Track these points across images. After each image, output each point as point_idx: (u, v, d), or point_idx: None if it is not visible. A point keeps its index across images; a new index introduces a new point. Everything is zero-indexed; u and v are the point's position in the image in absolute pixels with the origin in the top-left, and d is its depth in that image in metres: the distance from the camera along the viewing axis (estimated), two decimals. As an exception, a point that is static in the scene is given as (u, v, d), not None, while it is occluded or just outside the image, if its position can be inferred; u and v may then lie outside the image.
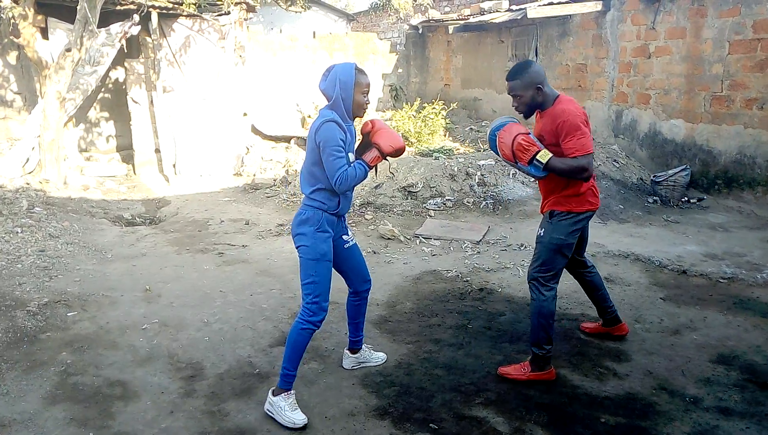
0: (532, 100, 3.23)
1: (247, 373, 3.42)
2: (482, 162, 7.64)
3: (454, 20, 11.69)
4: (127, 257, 5.53)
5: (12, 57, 9.27)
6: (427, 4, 13.47)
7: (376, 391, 3.21)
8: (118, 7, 8.46)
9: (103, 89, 10.36)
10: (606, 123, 8.92)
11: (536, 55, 10.21)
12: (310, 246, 2.99)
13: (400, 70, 13.33)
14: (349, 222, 6.57)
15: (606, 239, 5.86)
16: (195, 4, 8.96)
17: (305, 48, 11.84)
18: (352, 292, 3.35)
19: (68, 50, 7.73)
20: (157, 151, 9.70)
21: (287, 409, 2.90)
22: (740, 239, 5.88)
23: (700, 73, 7.37)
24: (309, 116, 11.60)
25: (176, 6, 8.93)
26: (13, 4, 7.44)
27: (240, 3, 9.70)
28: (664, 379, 3.30)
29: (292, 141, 10.65)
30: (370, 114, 10.85)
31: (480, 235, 6.05)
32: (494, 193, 7.23)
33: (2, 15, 7.47)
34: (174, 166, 9.51)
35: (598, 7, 8.65)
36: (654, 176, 7.60)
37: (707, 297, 4.47)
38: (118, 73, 10.32)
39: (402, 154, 3.06)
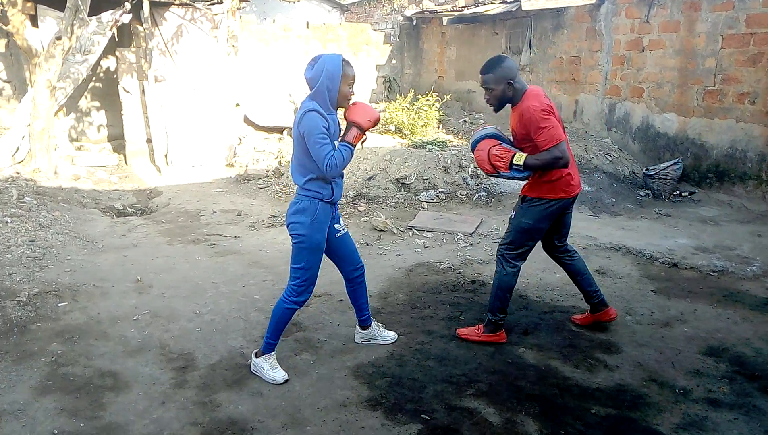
0: (503, 95, 3.39)
1: (239, 364, 3.42)
2: (475, 154, 7.63)
3: (448, 12, 11.64)
4: (119, 248, 5.50)
5: (1, 45, 9.16)
6: (422, -5, 13.41)
7: (368, 382, 3.22)
8: (109, -5, 8.37)
9: (94, 78, 10.26)
10: (599, 116, 8.93)
11: (530, 48, 10.19)
12: (307, 236, 3.07)
13: (393, 62, 13.27)
14: (342, 214, 6.56)
15: (598, 232, 5.88)
16: (187, -7, 8.88)
17: (298, 38, 11.76)
18: (346, 279, 3.47)
19: (58, 38, 7.64)
20: (149, 141, 9.63)
21: (268, 368, 3.21)
22: (731, 233, 5.92)
23: (693, 67, 7.39)
24: (302, 107, 11.54)
25: (168, -6, 8.85)
26: (2, -9, 7.35)
27: (233, -8, 9.62)
28: (654, 371, 3.33)
29: (285, 132, 10.60)
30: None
31: (473, 227, 6.06)
32: (487, 186, 7.24)
33: (-9, 2, 7.38)
34: (166, 156, 9.45)
35: (593, -1, 8.64)
36: (646, 169, 7.62)
37: (698, 290, 4.51)
38: (109, 62, 10.22)
39: (378, 123, 3.14)
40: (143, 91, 9.41)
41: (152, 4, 8.97)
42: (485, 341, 3.61)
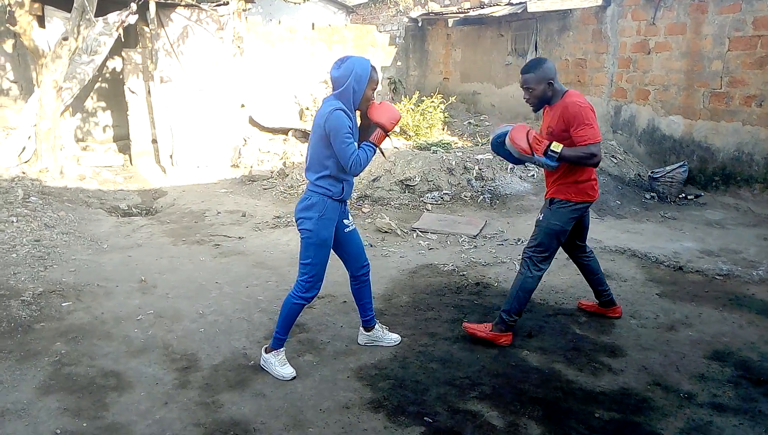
0: (543, 94, 3.48)
1: (242, 365, 3.42)
2: (480, 156, 7.62)
3: (453, 13, 11.63)
4: (123, 248, 5.51)
5: (8, 45, 9.21)
6: (427, -4, 13.41)
7: (371, 384, 3.21)
8: (116, -4, 8.40)
9: (100, 79, 10.30)
10: (604, 118, 8.90)
11: (536, 50, 10.17)
12: (314, 231, 3.13)
13: (399, 63, 13.28)
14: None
15: (603, 235, 5.86)
16: (193, -6, 8.91)
17: (304, 39, 11.77)
18: (351, 276, 3.51)
19: (65, 39, 7.67)
20: (154, 141, 9.66)
21: (277, 365, 3.25)
22: (737, 236, 5.88)
23: (700, 70, 7.35)
24: (307, 108, 11.55)
25: (174, -5, 8.87)
26: (10, -8, 7.38)
27: (238, -7, 9.64)
28: (659, 375, 3.31)
29: (290, 133, 10.61)
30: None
31: (477, 229, 6.05)
32: (492, 188, 7.22)
33: (-2, 3, 7.42)
34: (171, 156, 9.47)
35: (599, 1, 8.61)
36: (652, 172, 7.59)
37: (703, 293, 4.48)
38: (116, 63, 10.25)
39: (398, 122, 3.18)
40: (149, 91, 9.44)
41: (158, 5, 9.00)
42: (490, 339, 3.60)
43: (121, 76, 9.84)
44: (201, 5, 9.29)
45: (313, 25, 12.11)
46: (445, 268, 4.98)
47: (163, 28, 9.20)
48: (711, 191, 7.34)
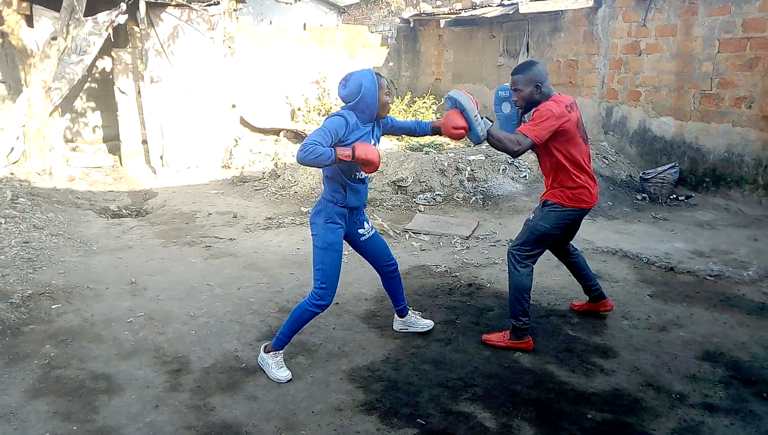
0: (530, 96, 3.47)
1: (234, 367, 3.39)
2: (472, 157, 7.63)
3: (445, 14, 11.65)
4: (113, 249, 5.46)
5: (-4, 45, 9.11)
6: (419, -3, 13.43)
7: (364, 386, 3.20)
8: (106, -4, 8.34)
9: (89, 79, 10.22)
10: (596, 120, 8.94)
11: (527, 51, 10.20)
12: (319, 235, 3.21)
13: (391, 64, 13.27)
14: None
15: (594, 236, 5.87)
16: (184, -6, 8.86)
17: (295, 40, 11.75)
18: (380, 274, 3.65)
19: (54, 39, 7.61)
20: (144, 142, 9.60)
21: (273, 367, 3.24)
22: (727, 237, 5.92)
23: (690, 71, 7.40)
24: (299, 109, 11.53)
25: (165, -5, 8.82)
26: (-2, -9, 7.31)
27: (230, -7, 9.60)
28: (651, 376, 3.32)
29: (282, 134, 10.57)
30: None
31: (469, 230, 6.05)
32: (484, 189, 7.23)
33: (-14, 1, 7.34)
34: (161, 157, 9.42)
35: (590, 3, 8.65)
36: (643, 173, 7.63)
37: (694, 294, 4.50)
38: (105, 63, 10.18)
39: (373, 169, 3.11)
40: (139, 91, 9.38)
41: (148, 5, 8.95)
42: (512, 347, 3.58)
43: (110, 76, 9.77)
44: (192, 5, 9.25)
45: (304, 25, 12.09)
46: (438, 270, 4.98)
47: (154, 27, 9.15)
48: (702, 192, 7.39)
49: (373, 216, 6.43)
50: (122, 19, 8.56)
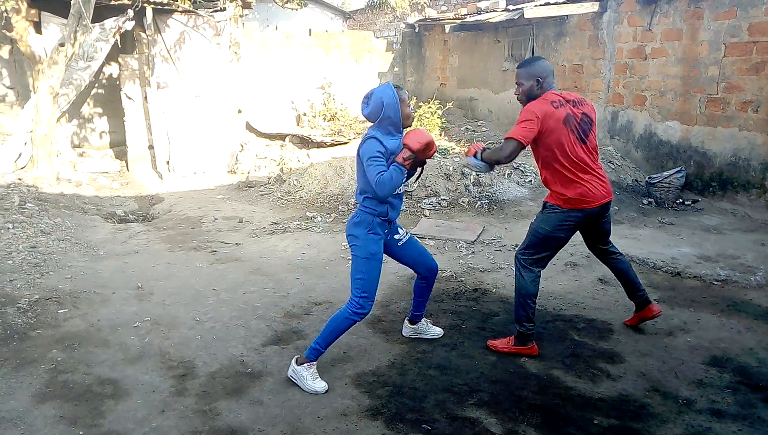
0: (530, 91, 3.47)
1: (240, 372, 3.40)
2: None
3: (450, 19, 11.66)
4: (120, 254, 5.49)
5: (5, 51, 9.19)
6: (424, 2, 13.44)
7: (369, 391, 3.20)
8: (113, 2, 8.39)
9: (96, 85, 10.29)
10: (602, 124, 8.92)
11: (532, 55, 10.20)
12: (361, 246, 3.23)
13: (396, 69, 13.30)
14: (343, 220, 6.55)
15: (600, 240, 5.85)
16: (190, 0, 8.90)
17: (301, 45, 11.79)
18: (419, 277, 3.64)
19: (62, 45, 7.66)
20: (151, 147, 9.65)
21: (309, 378, 3.22)
22: (734, 242, 5.89)
23: (696, 75, 7.38)
24: (304, 114, 11.55)
25: (171, 1, 8.87)
26: (6, -2, 7.37)
27: (236, -1, 9.65)
28: (657, 381, 3.30)
29: (287, 139, 10.59)
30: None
31: (475, 235, 6.04)
32: (489, 193, 7.22)
33: (-5, 9, 7.40)
34: (167, 162, 9.46)
35: (595, 7, 8.65)
36: (649, 178, 7.60)
37: (701, 299, 4.48)
38: (112, 69, 10.25)
39: (433, 148, 3.17)
40: (145, 97, 9.43)
41: (155, 11, 9.01)
42: (516, 353, 3.58)
43: (117, 82, 9.83)
44: (198, 11, 9.30)
45: (310, 31, 12.13)
46: (443, 274, 4.97)
47: (160, 34, 9.20)
48: (708, 196, 7.36)
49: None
50: (129, 25, 8.62)
